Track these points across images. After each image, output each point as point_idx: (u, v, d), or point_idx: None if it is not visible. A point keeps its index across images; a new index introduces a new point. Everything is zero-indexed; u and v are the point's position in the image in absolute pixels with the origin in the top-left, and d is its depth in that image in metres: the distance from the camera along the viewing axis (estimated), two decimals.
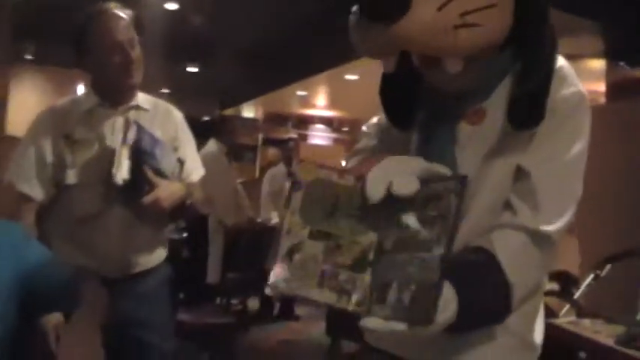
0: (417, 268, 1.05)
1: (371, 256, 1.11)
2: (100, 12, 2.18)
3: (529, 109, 1.20)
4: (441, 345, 1.18)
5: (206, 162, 2.55)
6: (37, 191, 2.18)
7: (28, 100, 7.88)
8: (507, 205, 1.23)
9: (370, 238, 1.12)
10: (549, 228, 1.20)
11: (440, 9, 1.08)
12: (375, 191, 1.13)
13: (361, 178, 1.15)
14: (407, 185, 1.12)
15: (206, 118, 10.46)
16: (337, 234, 1.13)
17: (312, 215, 1.15)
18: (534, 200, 1.20)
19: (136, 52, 2.18)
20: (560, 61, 1.26)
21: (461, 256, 1.13)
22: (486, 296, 1.15)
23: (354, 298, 1.09)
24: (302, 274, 1.11)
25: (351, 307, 1.09)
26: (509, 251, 1.18)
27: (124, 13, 2.19)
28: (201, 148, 8.37)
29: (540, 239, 1.20)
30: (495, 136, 1.25)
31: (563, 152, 1.23)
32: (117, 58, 2.15)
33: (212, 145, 5.53)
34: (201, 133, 2.51)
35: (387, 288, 1.07)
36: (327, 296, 1.10)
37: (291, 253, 1.13)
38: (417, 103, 1.35)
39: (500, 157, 1.25)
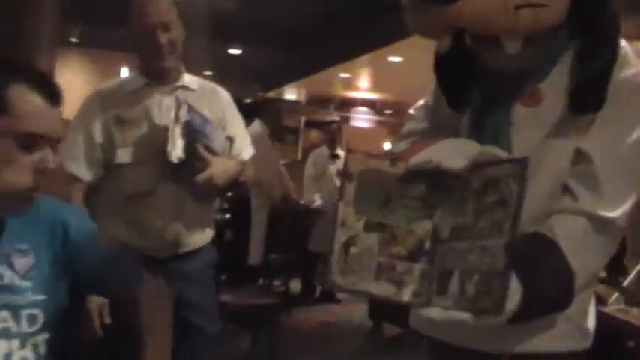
0: (479, 256, 1.01)
1: (427, 245, 1.08)
2: None
3: (591, 92, 1.16)
4: (495, 332, 1.14)
5: (251, 142, 2.54)
6: (84, 172, 2.21)
7: (74, 83, 7.98)
8: (566, 190, 1.18)
9: (426, 226, 1.09)
10: (611, 213, 1.15)
11: None
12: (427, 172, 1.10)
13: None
14: (457, 161, 1.08)
15: (248, 101, 10.49)
16: (392, 224, 1.11)
17: (366, 206, 1.13)
18: (595, 185, 1.16)
19: (175, 35, 2.18)
20: (621, 42, 1.21)
21: (521, 243, 1.08)
22: (549, 284, 1.11)
23: (412, 288, 1.07)
24: (358, 267, 1.10)
25: (409, 299, 1.06)
26: (571, 237, 1.14)
27: None
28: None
29: (602, 225, 1.15)
30: (553, 119, 1.20)
31: (625, 135, 1.18)
32: (153, 41, 2.15)
33: (256, 126, 5.54)
34: (243, 115, 2.51)
35: (448, 278, 1.03)
36: (385, 289, 1.08)
37: (346, 246, 1.11)
38: (471, 83, 1.30)
39: (559, 140, 1.20)
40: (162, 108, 2.22)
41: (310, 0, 6.83)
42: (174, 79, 2.28)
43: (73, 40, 9.39)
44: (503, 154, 1.13)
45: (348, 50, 8.14)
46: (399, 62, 8.54)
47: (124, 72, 8.29)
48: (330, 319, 6.08)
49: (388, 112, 13.10)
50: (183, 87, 2.30)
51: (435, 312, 1.03)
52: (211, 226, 2.40)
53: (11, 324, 1.29)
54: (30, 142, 1.22)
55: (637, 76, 1.20)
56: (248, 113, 5.52)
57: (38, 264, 1.34)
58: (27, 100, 1.20)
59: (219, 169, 2.17)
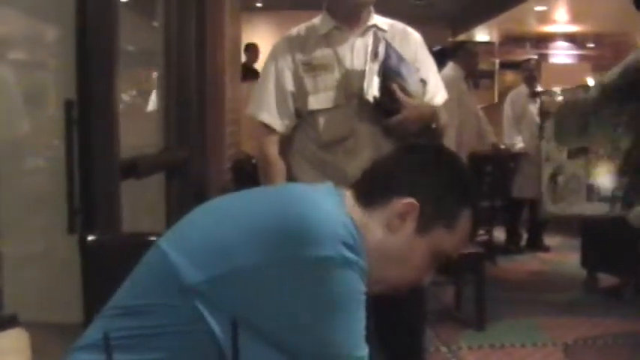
0: None
1: (635, 156, 0.97)
2: None
3: None
4: None
5: (445, 86, 2.40)
6: (277, 122, 2.19)
7: (261, 45, 8.25)
8: None
9: (630, 139, 0.99)
10: None
11: None
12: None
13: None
14: None
15: (438, 47, 10.22)
16: (595, 146, 1.03)
17: (566, 136, 1.08)
18: None
19: None
20: None
21: None
22: None
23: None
24: (567, 193, 1.04)
25: (628, 213, 0.96)
26: None
27: None
28: None
29: None
30: None
31: None
32: None
33: (450, 69, 5.30)
34: (436, 61, 2.37)
35: None
36: (599, 208, 1.04)
37: (553, 177, 1.06)
38: None
39: None
40: (355, 50, 2.15)
41: None
42: (365, 20, 2.20)
43: (258, 4, 9.71)
44: None
45: None
46: None
47: None
48: (539, 268, 5.78)
49: (590, 45, 12.21)
50: (375, 27, 2.20)
51: None
52: None
53: None
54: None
55: None
56: (438, 60, 5.36)
57: None
58: (468, 225, 1.22)
59: (413, 113, 2.08)
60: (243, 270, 1.02)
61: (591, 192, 0.92)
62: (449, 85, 4.85)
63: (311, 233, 1.02)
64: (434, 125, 2.19)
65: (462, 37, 10.97)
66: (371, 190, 1.20)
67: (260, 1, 9.73)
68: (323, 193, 1.15)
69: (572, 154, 0.94)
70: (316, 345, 1.02)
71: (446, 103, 2.37)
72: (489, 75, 10.88)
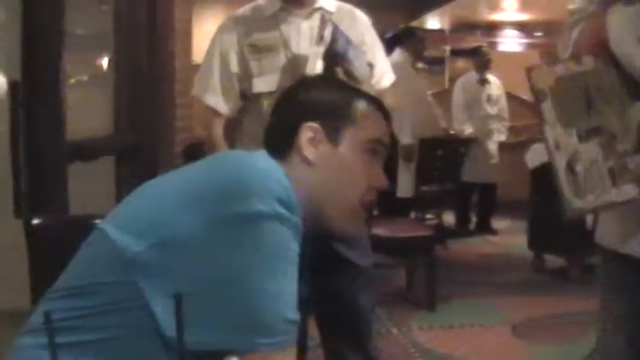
0: None
1: None
2: None
3: None
4: None
5: (394, 71, 2.40)
6: (222, 104, 2.18)
7: (210, 30, 8.12)
8: None
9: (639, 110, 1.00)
10: None
11: None
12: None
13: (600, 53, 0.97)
14: None
15: (390, 34, 10.22)
16: (606, 124, 1.03)
17: (572, 118, 1.06)
18: None
19: None
20: None
21: None
22: None
23: None
24: (591, 183, 1.03)
25: None
26: None
27: None
28: None
29: None
30: None
31: None
32: None
33: (398, 54, 5.34)
34: (387, 47, 2.37)
35: None
36: (628, 192, 1.02)
37: (570, 167, 1.05)
38: None
39: None
40: (301, 33, 2.13)
41: None
42: (312, 2, 2.17)
43: None
44: None
45: None
46: None
47: None
48: (489, 250, 5.90)
49: (539, 33, 12.38)
50: (321, 9, 2.18)
51: None
52: None
53: None
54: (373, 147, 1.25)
55: None
56: (390, 46, 5.37)
57: None
58: (370, 110, 1.26)
59: None
60: (181, 234, 1.02)
61: (614, 176, 0.94)
62: (397, 70, 4.87)
63: (244, 189, 1.03)
64: None
65: (414, 24, 11.03)
66: (276, 141, 1.24)
67: None
68: (256, 154, 1.18)
69: (584, 138, 0.95)
70: (249, 303, 1.00)
71: (395, 88, 2.38)
72: (440, 61, 10.97)
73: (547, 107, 1.06)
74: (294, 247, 1.05)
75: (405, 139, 5.14)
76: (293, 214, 1.05)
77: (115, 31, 3.33)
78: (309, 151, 1.19)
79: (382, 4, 10.23)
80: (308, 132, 1.19)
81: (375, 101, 1.29)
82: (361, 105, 1.24)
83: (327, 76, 1.43)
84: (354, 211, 1.23)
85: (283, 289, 1.03)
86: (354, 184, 1.21)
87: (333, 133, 1.20)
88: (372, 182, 1.23)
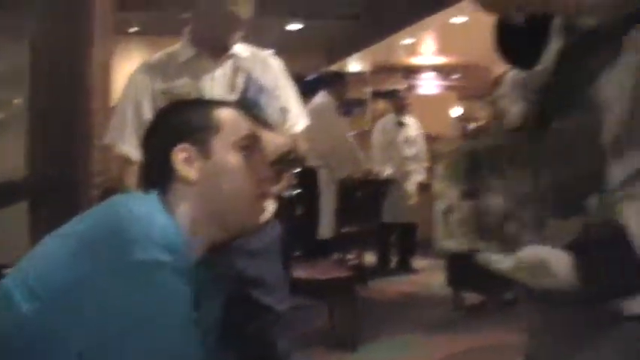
0: None
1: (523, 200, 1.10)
2: None
3: None
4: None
5: (316, 114, 2.46)
6: (135, 152, 2.10)
7: (131, 71, 7.99)
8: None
9: (518, 185, 1.11)
10: None
11: None
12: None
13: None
14: None
15: (313, 75, 10.37)
16: (484, 188, 1.13)
17: (459, 177, 1.17)
18: None
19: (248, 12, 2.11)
20: None
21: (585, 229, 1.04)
22: (615, 268, 1.04)
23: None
24: (464, 230, 1.13)
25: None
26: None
27: None
28: (307, 105, 8.29)
29: None
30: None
31: None
32: (227, 21, 2.09)
33: (321, 97, 5.44)
34: (308, 89, 2.41)
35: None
36: (491, 248, 1.10)
37: (446, 215, 1.16)
38: (544, 40, 1.19)
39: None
40: (215, 80, 2.13)
41: None
42: (226, 49, 2.18)
43: (133, 29, 9.46)
44: None
45: (410, 15, 7.91)
46: (463, 23, 8.25)
47: None
48: (409, 289, 5.99)
49: (456, 76, 12.81)
50: (235, 56, 2.20)
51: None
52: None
53: None
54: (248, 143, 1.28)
55: None
56: (312, 88, 5.47)
57: None
58: (229, 113, 1.30)
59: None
60: (70, 289, 1.02)
61: (484, 232, 1.03)
62: (320, 112, 4.97)
63: (125, 239, 1.04)
64: (292, 155, 2.20)
65: (335, 67, 11.24)
66: (155, 176, 1.25)
67: (136, 25, 9.50)
68: (140, 198, 1.18)
69: (465, 195, 1.05)
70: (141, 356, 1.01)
71: (317, 129, 2.41)
72: (361, 103, 11.19)
73: (440, 166, 1.19)
74: (180, 294, 1.06)
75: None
76: (177, 255, 1.06)
77: (31, 67, 3.26)
78: (187, 172, 1.21)
79: (306, 46, 10.42)
80: (180, 154, 1.22)
81: (231, 104, 1.35)
82: (220, 111, 1.28)
83: (181, 100, 1.52)
84: (252, 207, 1.28)
85: (168, 342, 1.04)
86: (241, 184, 1.24)
87: (203, 147, 1.23)
88: (258, 175, 1.27)
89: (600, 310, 1.09)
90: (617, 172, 1.05)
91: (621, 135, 1.04)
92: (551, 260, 1.03)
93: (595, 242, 1.04)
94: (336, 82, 5.79)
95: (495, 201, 1.11)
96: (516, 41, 1.20)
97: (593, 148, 1.05)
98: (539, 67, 1.19)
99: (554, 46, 1.18)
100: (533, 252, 1.06)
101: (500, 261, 1.06)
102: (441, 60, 12.08)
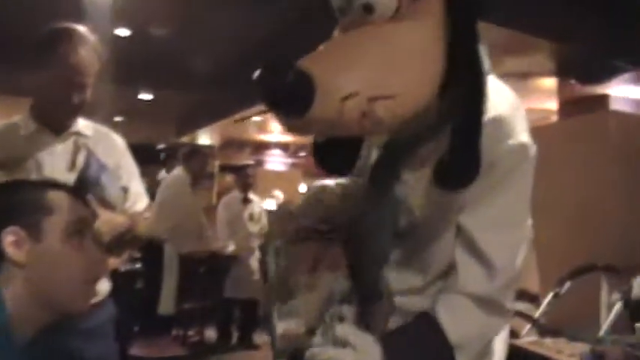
0: None
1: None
2: (68, 31, 2.04)
3: (456, 169, 1.10)
4: None
5: (169, 188, 2.47)
6: None
7: None
8: (453, 267, 1.19)
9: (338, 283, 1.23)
10: (494, 292, 1.17)
11: (344, 100, 1.02)
12: None
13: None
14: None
15: (161, 146, 10.29)
16: (319, 285, 1.23)
17: (294, 271, 1.26)
18: (478, 263, 1.16)
19: (93, 78, 2.07)
20: (501, 109, 1.15)
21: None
22: (426, 356, 1.15)
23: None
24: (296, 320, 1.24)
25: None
26: (452, 314, 1.16)
27: (89, 36, 2.07)
28: (156, 174, 8.22)
29: (486, 303, 1.16)
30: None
31: (506, 210, 1.17)
32: (78, 80, 2.02)
33: (178, 171, 5.45)
34: (157, 160, 2.43)
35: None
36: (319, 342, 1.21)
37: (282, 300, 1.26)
38: (357, 149, 1.35)
39: (442, 210, 1.20)
40: (55, 157, 2.08)
41: (221, 44, 6.81)
42: (68, 126, 2.14)
43: None
44: None
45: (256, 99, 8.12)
46: None
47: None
48: None
49: (302, 154, 13.18)
50: (78, 133, 2.16)
51: None
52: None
53: None
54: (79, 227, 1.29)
55: (516, 147, 1.15)
56: (162, 158, 5.43)
57: None
58: (63, 195, 1.31)
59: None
60: None
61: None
62: (175, 186, 4.94)
63: None
64: (129, 235, 2.15)
65: (185, 139, 11.24)
66: None
67: None
68: None
69: (302, 289, 1.17)
70: None
71: (166, 205, 2.39)
72: (209, 177, 11.21)
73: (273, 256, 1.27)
74: None
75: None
76: (1, 334, 1.07)
77: None
78: (16, 256, 1.21)
79: (156, 117, 10.36)
80: (9, 237, 1.22)
81: (66, 186, 1.36)
82: (53, 194, 1.29)
83: (12, 180, 1.50)
84: (80, 292, 1.29)
85: None
86: (70, 271, 1.26)
87: (34, 230, 1.23)
88: (88, 259, 1.28)
89: None
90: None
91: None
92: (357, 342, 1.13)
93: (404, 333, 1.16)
94: (196, 158, 5.82)
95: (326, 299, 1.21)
96: (331, 152, 1.32)
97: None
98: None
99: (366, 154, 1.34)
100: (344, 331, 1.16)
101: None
102: (288, 138, 12.43)
